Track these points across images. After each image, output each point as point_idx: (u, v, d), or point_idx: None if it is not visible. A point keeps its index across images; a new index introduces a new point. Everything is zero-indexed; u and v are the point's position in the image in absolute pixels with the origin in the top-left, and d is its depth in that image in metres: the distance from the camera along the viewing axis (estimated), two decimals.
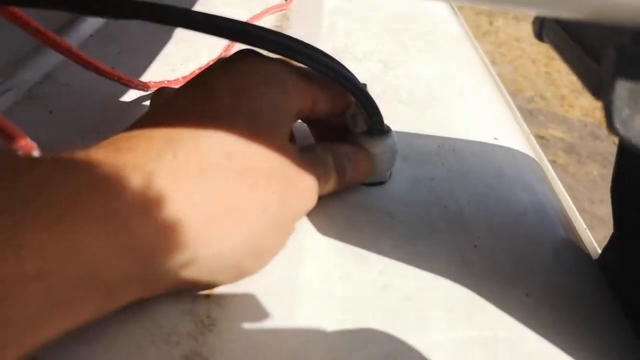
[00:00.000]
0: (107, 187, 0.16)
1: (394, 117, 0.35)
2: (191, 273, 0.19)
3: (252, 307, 0.21)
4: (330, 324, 0.21)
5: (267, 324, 0.21)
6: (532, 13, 0.16)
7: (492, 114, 0.39)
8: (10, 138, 0.19)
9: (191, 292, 0.22)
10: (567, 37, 0.16)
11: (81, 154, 0.17)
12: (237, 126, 0.21)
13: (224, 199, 0.19)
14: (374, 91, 0.38)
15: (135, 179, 0.17)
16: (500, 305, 0.23)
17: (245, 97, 0.22)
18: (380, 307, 0.22)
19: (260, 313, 0.21)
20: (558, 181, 0.37)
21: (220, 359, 0.19)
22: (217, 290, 0.22)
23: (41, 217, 0.15)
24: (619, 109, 0.15)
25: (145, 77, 0.36)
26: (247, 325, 0.21)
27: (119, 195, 0.16)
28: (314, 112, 0.26)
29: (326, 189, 0.26)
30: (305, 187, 0.23)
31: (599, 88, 0.15)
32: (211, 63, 0.37)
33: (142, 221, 0.17)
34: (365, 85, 0.27)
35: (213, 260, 0.19)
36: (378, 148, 0.27)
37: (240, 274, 0.22)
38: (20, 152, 0.19)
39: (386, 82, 0.40)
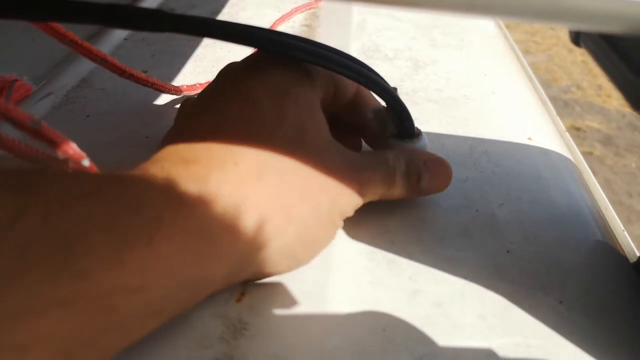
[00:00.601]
0: (184, 203, 0.18)
1: (425, 117, 0.35)
2: (259, 268, 0.21)
3: (283, 310, 0.22)
4: (361, 329, 0.21)
5: (297, 328, 0.21)
6: (579, 29, 0.16)
7: (526, 112, 0.38)
8: (57, 146, 0.20)
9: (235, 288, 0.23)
10: (607, 48, 0.16)
11: (157, 170, 0.19)
12: (284, 131, 0.22)
13: (280, 199, 0.21)
14: (404, 91, 0.38)
15: (206, 192, 0.19)
16: (532, 312, 0.23)
17: (285, 101, 0.23)
18: (411, 313, 0.22)
19: (291, 317, 0.22)
20: (595, 182, 0.36)
21: None
22: (249, 294, 0.22)
23: (138, 235, 0.16)
24: None
25: (178, 79, 0.37)
26: (278, 329, 0.21)
27: (195, 210, 0.18)
28: (334, 106, 0.27)
29: (393, 194, 0.25)
30: (354, 185, 0.23)
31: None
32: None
33: (218, 230, 0.19)
34: (395, 89, 0.27)
35: (275, 254, 0.21)
36: None
37: (296, 263, 0.23)
38: (70, 162, 0.21)
39: (417, 82, 0.39)
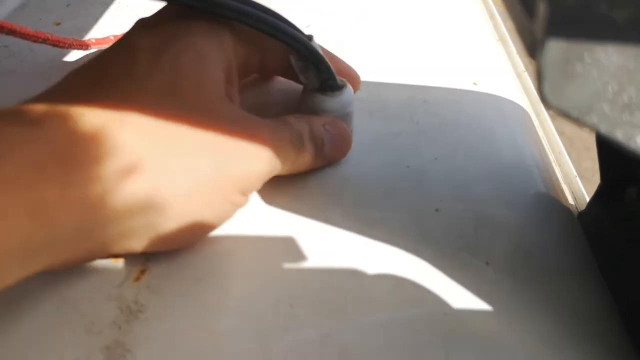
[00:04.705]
0: (11, 151, 0.16)
1: (361, 63, 0.32)
2: (115, 240, 0.19)
3: (182, 289, 0.20)
4: (265, 305, 0.20)
5: (195, 308, 0.19)
6: None
7: (478, 53, 0.35)
8: None
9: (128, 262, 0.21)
10: None
11: None
12: (155, 85, 0.19)
13: (136, 163, 0.18)
14: (336, 35, 0.35)
15: (38, 136, 0.16)
16: (455, 276, 0.21)
17: (165, 51, 0.20)
18: (322, 285, 0.20)
19: (190, 296, 0.20)
20: (551, 125, 0.34)
21: (144, 350, 0.18)
22: (149, 271, 0.21)
23: None
24: (550, 74, 0.12)
25: (95, 32, 0.34)
26: (175, 311, 0.19)
27: (26, 159, 0.16)
28: (267, 66, 0.25)
29: (302, 163, 0.23)
30: (248, 148, 0.20)
31: (533, 48, 0.13)
32: None
33: (42, 185, 0.16)
34: (311, 37, 0.24)
35: (132, 230, 0.18)
36: (331, 106, 0.25)
37: (164, 244, 0.20)
38: None
39: (357, 24, 0.36)
